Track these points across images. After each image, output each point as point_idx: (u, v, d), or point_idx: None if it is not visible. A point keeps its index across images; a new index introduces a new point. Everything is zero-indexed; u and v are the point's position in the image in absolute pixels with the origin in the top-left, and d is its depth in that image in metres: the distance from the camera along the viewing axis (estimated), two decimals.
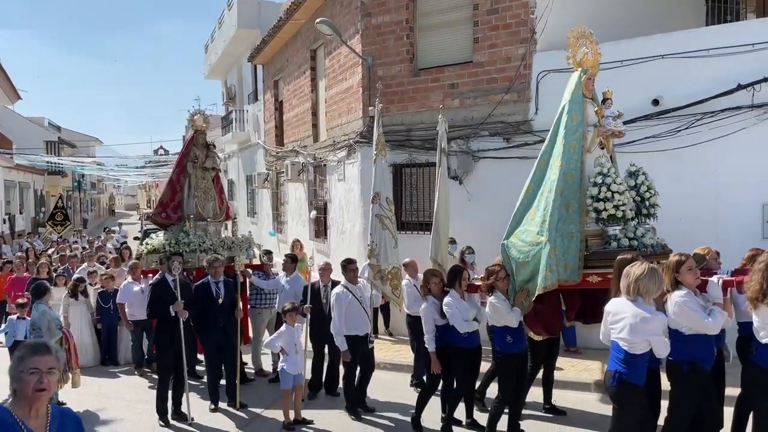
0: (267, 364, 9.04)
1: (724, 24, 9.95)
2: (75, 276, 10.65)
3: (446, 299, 6.24)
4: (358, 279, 7.49)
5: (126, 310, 9.17)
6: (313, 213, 13.96)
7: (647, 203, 6.19)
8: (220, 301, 7.63)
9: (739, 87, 8.11)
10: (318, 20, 10.75)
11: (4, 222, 29.08)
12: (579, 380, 7.85)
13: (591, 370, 8.18)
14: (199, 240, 9.50)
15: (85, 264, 11.40)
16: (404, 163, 10.75)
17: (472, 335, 6.26)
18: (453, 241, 9.18)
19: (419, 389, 7.62)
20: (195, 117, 10.42)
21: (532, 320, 6.15)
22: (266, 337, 7.83)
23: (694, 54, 8.38)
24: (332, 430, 6.83)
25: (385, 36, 10.90)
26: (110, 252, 13.93)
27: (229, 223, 12.54)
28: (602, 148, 6.25)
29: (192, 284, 8.00)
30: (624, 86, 8.75)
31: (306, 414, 7.09)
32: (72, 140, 46.27)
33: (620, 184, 5.83)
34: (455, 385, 6.41)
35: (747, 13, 11.05)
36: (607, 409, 6.39)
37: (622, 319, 4.39)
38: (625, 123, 8.76)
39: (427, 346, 6.37)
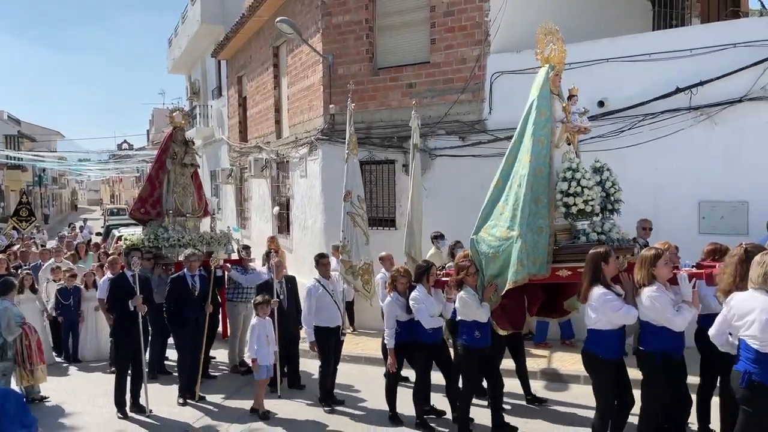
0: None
1: (665, 30, 10.45)
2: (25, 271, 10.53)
3: (413, 294, 6.32)
4: (331, 273, 7.64)
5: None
6: (276, 209, 14.14)
7: (612, 198, 6.24)
8: (196, 294, 7.80)
9: (678, 90, 8.57)
10: (278, 19, 10.92)
11: None
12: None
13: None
14: (178, 235, 9.58)
15: (53, 260, 11.24)
16: (364, 160, 10.99)
17: (437, 330, 6.38)
18: (441, 236, 9.30)
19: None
20: (174, 114, 10.44)
21: (499, 315, 6.17)
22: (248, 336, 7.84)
23: (637, 58, 8.81)
24: (307, 419, 7.05)
25: (346, 35, 11.12)
26: (57, 248, 13.72)
27: (207, 219, 12.57)
28: (569, 144, 6.35)
29: (166, 279, 8.25)
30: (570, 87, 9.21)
31: (276, 406, 7.29)
32: (32, 134, 45.37)
33: (589, 179, 5.89)
34: (418, 379, 6.54)
35: (692, 18, 11.58)
36: None
37: (750, 314, 4.09)
38: None
39: (386, 342, 6.50)
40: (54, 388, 8.23)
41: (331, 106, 11.13)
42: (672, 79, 8.60)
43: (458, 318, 6.14)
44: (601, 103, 9.01)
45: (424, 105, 10.38)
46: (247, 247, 9.83)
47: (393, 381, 6.75)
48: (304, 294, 7.39)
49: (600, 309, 5.02)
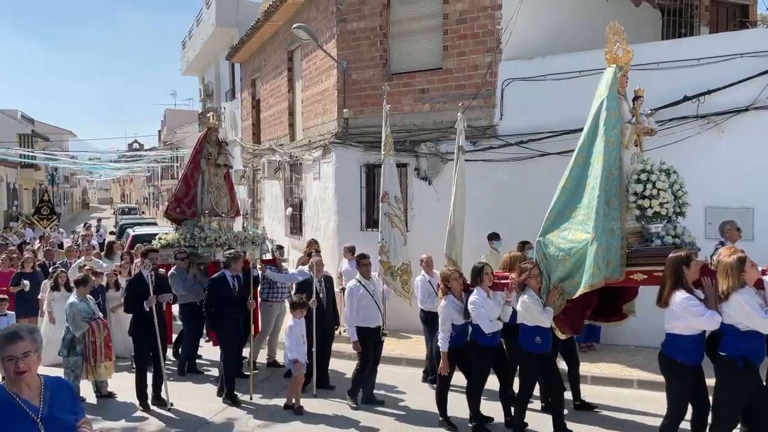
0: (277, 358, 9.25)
1: (674, 40, 10.63)
2: (56, 268, 10.70)
3: (472, 297, 6.18)
4: (371, 274, 7.68)
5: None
6: (289, 210, 14.36)
7: (679, 201, 6.02)
8: (236, 293, 7.91)
9: (686, 98, 8.76)
10: (295, 25, 11.17)
11: None
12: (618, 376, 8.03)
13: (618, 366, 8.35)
14: (215, 235, 9.66)
15: (82, 258, 11.25)
16: (376, 163, 11.22)
17: (496, 334, 6.24)
18: (496, 236, 9.36)
19: (434, 384, 7.82)
20: (208, 114, 10.53)
21: (559, 318, 5.95)
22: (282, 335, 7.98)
23: (646, 67, 8.97)
24: (350, 418, 7.13)
25: (360, 41, 11.37)
26: (93, 247, 13.98)
27: (239, 219, 12.67)
28: (636, 146, 6.18)
29: (201, 278, 8.50)
30: (582, 95, 9.35)
31: (306, 404, 7.41)
32: (45, 133, 45.85)
33: (664, 181, 5.69)
34: (474, 383, 6.44)
35: (700, 26, 11.74)
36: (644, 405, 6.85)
37: None
38: (581, 130, 9.43)
39: (440, 344, 6.38)
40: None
41: (345, 110, 11.38)
42: (680, 88, 8.78)
43: (519, 322, 6.00)
44: None
45: (437, 110, 10.61)
46: (281, 247, 9.91)
47: (444, 385, 6.65)
48: (345, 294, 7.50)
49: (682, 314, 4.92)
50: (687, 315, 4.90)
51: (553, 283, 5.91)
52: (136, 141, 59.90)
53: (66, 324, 9.51)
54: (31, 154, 35.09)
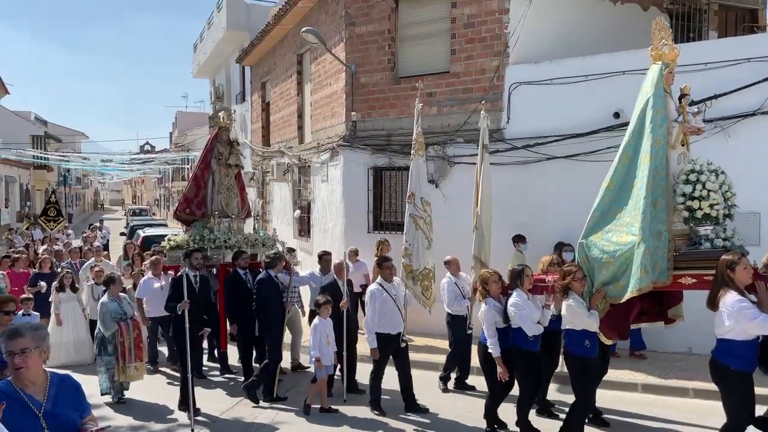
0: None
1: (681, 44, 10.58)
2: (63, 269, 10.74)
3: (513, 300, 6.07)
4: (394, 278, 7.47)
5: (144, 306, 9.16)
6: (297, 212, 14.47)
7: (728, 203, 5.76)
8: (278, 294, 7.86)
9: (693, 103, 8.68)
10: (304, 29, 11.28)
11: None
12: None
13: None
14: (225, 236, 9.49)
15: (92, 259, 11.22)
16: (384, 166, 11.30)
17: (537, 338, 6.11)
18: (522, 238, 9.28)
19: (441, 384, 7.94)
20: (219, 113, 10.39)
21: (604, 323, 5.78)
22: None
23: None
24: (370, 419, 7.11)
25: (368, 45, 11.45)
26: (98, 248, 14.05)
27: (250, 221, 12.55)
28: (682, 145, 5.96)
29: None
30: (588, 99, 9.45)
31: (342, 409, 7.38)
32: (58, 135, 46.28)
33: (713, 182, 5.49)
34: (521, 390, 6.27)
35: (709, 31, 11.74)
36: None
37: None
38: (587, 134, 9.49)
39: (491, 351, 6.18)
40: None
41: (353, 113, 11.46)
42: None
43: (565, 327, 5.89)
44: (616, 114, 9.20)
45: (444, 114, 10.66)
46: (292, 250, 9.82)
47: (500, 392, 6.45)
48: (366, 298, 7.32)
49: (734, 317, 4.79)
50: (740, 318, 4.76)
51: (596, 286, 5.74)
52: (147, 143, 60.37)
53: (76, 325, 9.65)
54: (44, 155, 35.45)
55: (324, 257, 8.96)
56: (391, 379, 7.81)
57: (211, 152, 10.06)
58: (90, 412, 3.41)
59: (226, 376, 8.99)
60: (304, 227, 14.31)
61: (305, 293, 9.66)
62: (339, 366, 7.81)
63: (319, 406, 7.30)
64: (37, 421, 3.13)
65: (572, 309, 5.71)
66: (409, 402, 7.29)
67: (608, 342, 6.05)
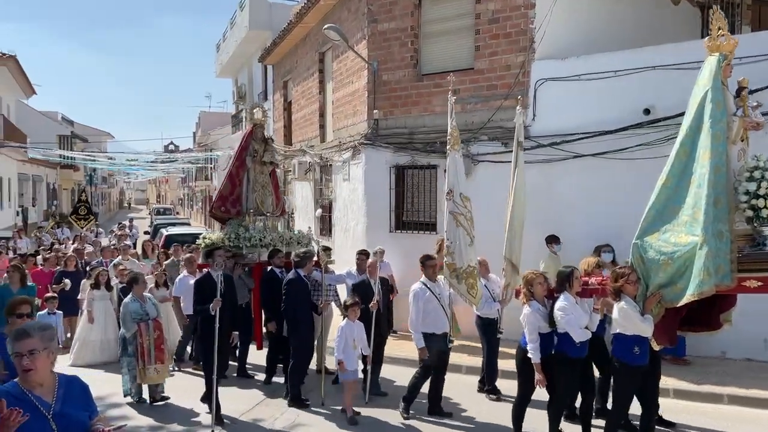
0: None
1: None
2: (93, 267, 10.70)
3: (560, 303, 5.81)
4: (437, 277, 7.29)
5: (181, 303, 9.15)
6: (319, 211, 14.32)
7: None
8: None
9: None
10: (326, 26, 11.17)
11: (18, 214, 29.72)
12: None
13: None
14: (260, 235, 9.35)
15: (119, 257, 11.25)
16: (406, 164, 11.15)
17: (584, 344, 5.85)
18: (556, 239, 9.03)
19: (492, 395, 7.70)
20: (254, 110, 10.25)
21: (656, 328, 5.52)
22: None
23: (684, 66, 8.70)
24: (393, 425, 6.95)
25: (391, 42, 11.31)
26: (124, 246, 14.03)
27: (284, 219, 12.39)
28: (741, 141, 5.63)
29: (246, 280, 8.27)
30: (617, 96, 9.19)
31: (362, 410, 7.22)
32: (84, 135, 46.94)
33: None
34: (559, 398, 6.05)
35: (742, 25, 11.37)
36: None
37: None
38: (616, 131, 9.23)
39: (530, 356, 5.90)
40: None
41: (375, 111, 11.33)
42: None
43: (615, 331, 5.67)
44: (647, 111, 8.94)
45: (468, 111, 10.46)
46: (327, 249, 9.63)
47: (524, 399, 6.24)
48: (410, 298, 7.14)
49: None
50: None
51: (651, 289, 5.44)
52: (171, 143, 60.88)
53: (106, 324, 9.55)
54: (71, 155, 35.90)
55: (360, 256, 8.80)
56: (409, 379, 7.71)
57: (246, 149, 9.93)
58: (98, 412, 3.33)
59: (255, 377, 8.87)
60: (325, 226, 14.21)
61: (342, 292, 9.47)
62: (363, 367, 7.67)
63: (351, 412, 7.07)
64: (46, 423, 3.05)
65: (625, 313, 5.44)
66: (433, 405, 7.14)
67: (657, 347, 5.78)
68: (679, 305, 5.28)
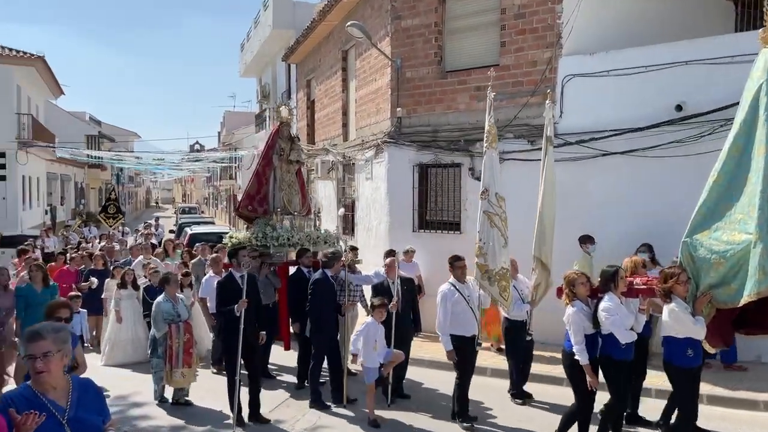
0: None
1: (748, 32, 9.94)
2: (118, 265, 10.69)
3: (604, 304, 5.61)
4: (467, 278, 7.07)
5: (208, 304, 9.00)
6: (342, 210, 14.25)
7: None
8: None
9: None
10: (349, 23, 11.07)
11: (46, 213, 30.19)
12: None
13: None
14: (287, 234, 9.22)
15: (141, 257, 11.21)
16: (430, 163, 10.99)
17: (630, 346, 5.65)
18: (590, 239, 8.79)
19: (518, 399, 7.50)
20: (280, 108, 10.16)
21: (709, 330, 5.31)
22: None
23: (718, 61, 8.43)
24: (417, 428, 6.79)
25: (414, 38, 11.16)
26: (155, 246, 14.10)
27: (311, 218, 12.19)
28: None
29: (273, 280, 8.18)
30: (648, 92, 8.93)
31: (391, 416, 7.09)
32: (111, 134, 47.55)
33: None
34: (612, 402, 5.79)
35: None
36: None
37: None
38: (647, 128, 8.96)
39: (578, 358, 5.68)
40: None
41: (398, 109, 11.19)
42: None
43: (665, 334, 5.49)
44: (679, 107, 8.66)
45: (493, 108, 10.25)
46: (354, 248, 9.51)
47: (587, 405, 5.88)
48: (438, 299, 6.93)
49: None
50: None
51: (701, 289, 5.23)
52: (197, 142, 61.44)
53: (135, 323, 9.49)
54: (99, 154, 36.36)
55: (388, 256, 8.64)
56: (434, 381, 7.56)
57: (273, 148, 9.83)
58: (111, 417, 3.25)
59: (277, 378, 8.79)
60: (348, 225, 14.11)
61: (368, 293, 9.33)
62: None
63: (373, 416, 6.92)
64: (61, 429, 2.97)
65: (676, 315, 5.23)
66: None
67: (712, 350, 5.57)
68: (735, 306, 5.03)
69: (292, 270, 8.90)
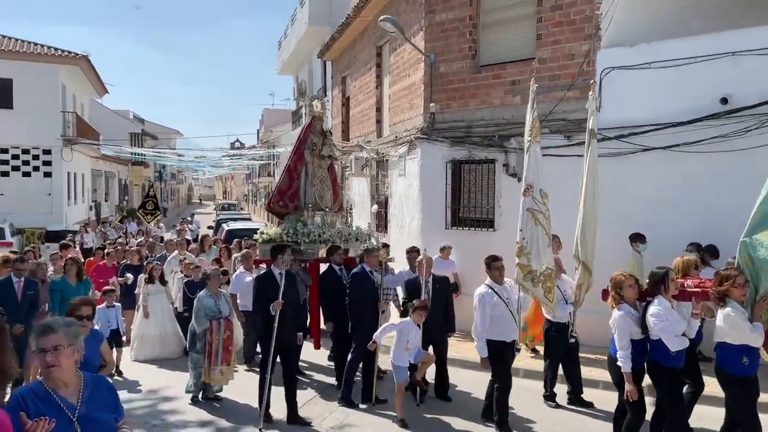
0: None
1: None
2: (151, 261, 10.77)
3: (654, 308, 5.22)
4: (505, 279, 6.73)
5: (238, 300, 8.99)
6: (375, 207, 14.20)
7: None
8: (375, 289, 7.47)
9: None
10: (381, 18, 10.95)
11: (91, 209, 31.00)
12: None
13: None
14: (319, 230, 9.10)
15: (176, 252, 11.31)
16: (463, 159, 10.80)
17: (681, 353, 5.26)
18: (641, 237, 8.45)
19: (550, 402, 7.25)
20: (313, 102, 9.99)
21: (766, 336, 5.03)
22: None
23: (765, 52, 8.02)
24: None
25: (449, 33, 10.96)
26: (180, 241, 14.24)
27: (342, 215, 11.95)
28: None
29: (304, 277, 8.02)
30: (691, 84, 8.57)
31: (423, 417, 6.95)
32: (154, 132, 48.59)
33: None
34: (670, 413, 5.43)
35: None
36: None
37: None
38: (690, 123, 8.60)
39: (620, 364, 5.33)
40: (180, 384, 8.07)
41: (431, 104, 11.02)
42: None
43: (719, 340, 5.13)
44: (724, 100, 8.27)
45: (527, 103, 10.01)
46: (386, 245, 9.36)
47: (638, 417, 5.46)
48: (475, 301, 6.57)
49: None
50: None
51: (761, 293, 4.96)
52: (237, 140, 62.30)
53: (162, 318, 9.54)
54: (142, 152, 37.14)
55: (410, 253, 8.45)
56: (465, 382, 7.36)
57: (305, 143, 9.68)
58: (124, 415, 3.20)
59: (306, 374, 8.74)
60: (381, 222, 14.01)
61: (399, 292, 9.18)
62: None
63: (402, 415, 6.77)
64: (71, 427, 2.92)
65: (732, 320, 4.90)
66: (489, 410, 6.73)
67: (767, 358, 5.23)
68: None
69: (323, 268, 8.83)
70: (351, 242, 9.48)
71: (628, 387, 5.31)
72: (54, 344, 2.91)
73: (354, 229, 10.16)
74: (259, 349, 9.06)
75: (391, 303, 8.72)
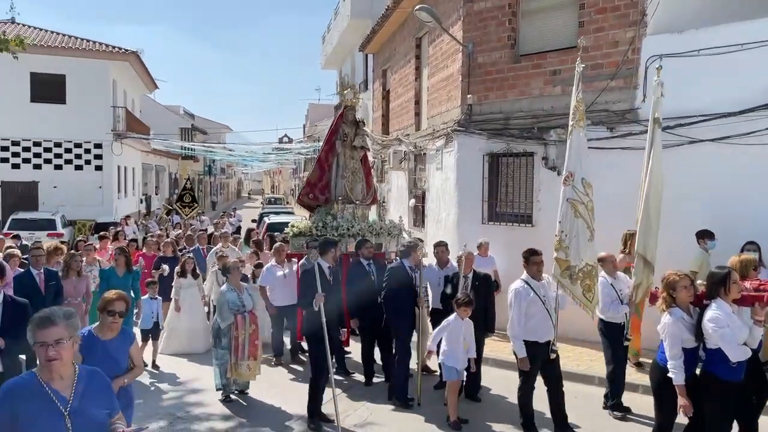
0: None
1: None
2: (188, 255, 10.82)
3: (713, 313, 4.68)
4: (543, 276, 6.29)
5: (267, 293, 8.85)
6: (412, 201, 13.99)
7: None
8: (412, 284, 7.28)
9: None
10: (417, 7, 10.70)
11: (141, 202, 31.78)
12: None
13: None
14: (348, 224, 8.88)
15: (219, 245, 11.26)
16: (501, 152, 10.46)
17: (741, 364, 4.68)
18: (710, 234, 7.89)
19: (616, 412, 6.75)
20: (345, 91, 9.73)
21: None
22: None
23: None
24: None
25: (487, 22, 10.64)
26: (224, 233, 14.34)
27: (374, 207, 11.46)
28: None
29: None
30: (744, 72, 8.04)
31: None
32: (204, 127, 49.47)
33: None
34: (716, 428, 4.85)
35: None
36: None
37: None
38: (742, 112, 8.07)
39: (672, 375, 4.79)
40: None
41: (468, 96, 10.73)
42: None
43: None
44: None
45: (569, 93, 9.57)
46: (419, 241, 9.06)
47: (667, 428, 5.08)
48: (510, 298, 6.19)
49: None
50: None
51: None
52: (285, 135, 63.02)
53: (193, 313, 9.41)
54: (191, 146, 37.85)
55: (438, 248, 8.17)
56: (499, 384, 7.06)
57: (336, 133, 9.43)
58: (119, 410, 3.10)
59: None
60: (418, 217, 13.79)
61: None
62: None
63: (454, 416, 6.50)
64: (61, 420, 2.83)
65: None
66: (560, 423, 6.21)
67: None
68: None
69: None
70: (382, 236, 9.24)
71: (681, 401, 4.77)
72: (56, 338, 2.83)
73: (387, 222, 9.94)
74: (288, 345, 9.10)
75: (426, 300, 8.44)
